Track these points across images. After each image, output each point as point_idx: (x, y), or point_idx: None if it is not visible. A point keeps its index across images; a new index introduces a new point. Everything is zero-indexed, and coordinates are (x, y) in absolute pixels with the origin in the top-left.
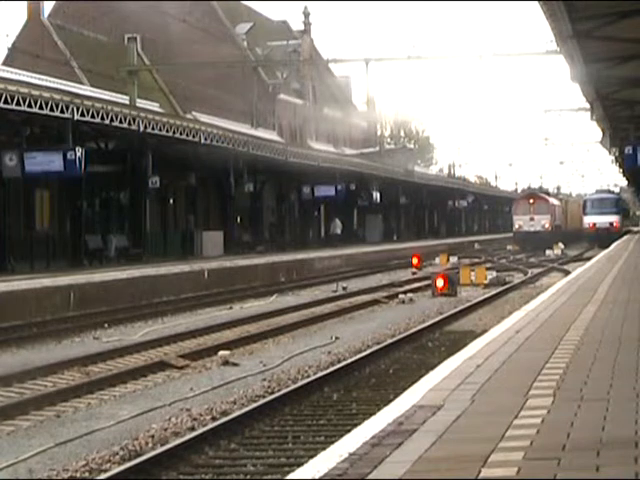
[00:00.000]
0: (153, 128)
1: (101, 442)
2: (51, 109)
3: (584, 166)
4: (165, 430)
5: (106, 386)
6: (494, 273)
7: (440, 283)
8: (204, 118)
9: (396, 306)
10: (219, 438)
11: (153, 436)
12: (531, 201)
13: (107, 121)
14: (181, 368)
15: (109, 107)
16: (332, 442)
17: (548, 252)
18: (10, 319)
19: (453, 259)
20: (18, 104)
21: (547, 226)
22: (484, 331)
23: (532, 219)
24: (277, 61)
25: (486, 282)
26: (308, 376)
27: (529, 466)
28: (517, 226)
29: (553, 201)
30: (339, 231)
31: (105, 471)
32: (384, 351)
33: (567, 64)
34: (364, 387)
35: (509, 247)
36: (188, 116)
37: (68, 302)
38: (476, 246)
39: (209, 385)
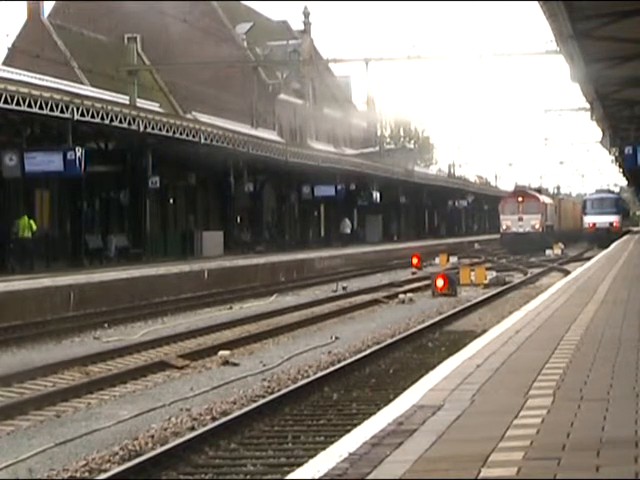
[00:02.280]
0: (153, 128)
1: (101, 442)
2: (51, 109)
3: (584, 166)
4: (165, 430)
5: (106, 386)
6: (494, 273)
7: (440, 283)
8: (204, 118)
9: (396, 306)
10: (219, 438)
11: (153, 436)
12: (520, 199)
13: (107, 121)
14: (181, 368)
15: (109, 107)
16: (332, 442)
17: (548, 252)
18: (10, 319)
19: (453, 259)
20: (18, 104)
21: (537, 227)
22: (484, 331)
23: (521, 219)
24: (277, 61)
25: (486, 282)
26: (308, 376)
27: (529, 466)
28: (504, 227)
29: (544, 199)
30: (348, 230)
31: (105, 471)
32: (384, 351)
33: (567, 64)
34: (364, 387)
35: None
36: (188, 116)
37: (68, 302)
38: (476, 246)
39: (209, 385)
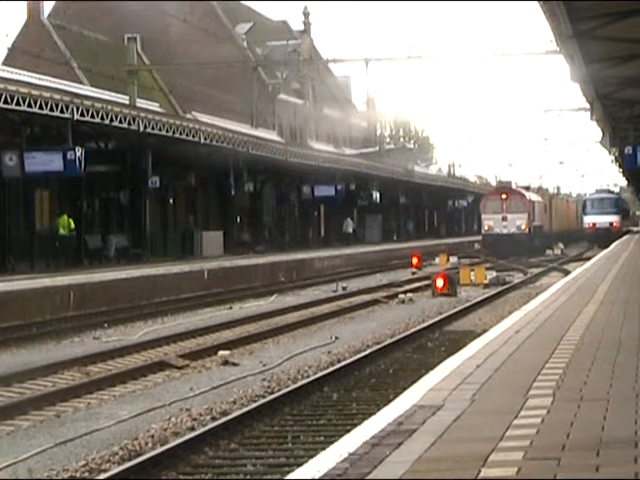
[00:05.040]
0: (153, 128)
1: (101, 442)
2: (51, 109)
3: (584, 166)
4: (165, 430)
5: (106, 386)
6: (494, 273)
7: (440, 283)
8: (204, 118)
9: (396, 306)
10: (219, 438)
11: (153, 436)
12: (504, 197)
13: (107, 121)
14: (181, 368)
15: (109, 107)
16: (332, 442)
17: (548, 252)
18: (10, 319)
19: (453, 259)
20: (18, 104)
21: (523, 227)
22: (484, 331)
23: (505, 219)
24: (277, 61)
25: (486, 282)
26: (308, 376)
27: (529, 466)
28: (486, 227)
29: (532, 197)
30: (351, 230)
31: (105, 471)
32: (384, 351)
33: (567, 64)
34: (364, 387)
35: None
36: (188, 116)
37: (68, 302)
38: (476, 246)
39: (209, 385)
